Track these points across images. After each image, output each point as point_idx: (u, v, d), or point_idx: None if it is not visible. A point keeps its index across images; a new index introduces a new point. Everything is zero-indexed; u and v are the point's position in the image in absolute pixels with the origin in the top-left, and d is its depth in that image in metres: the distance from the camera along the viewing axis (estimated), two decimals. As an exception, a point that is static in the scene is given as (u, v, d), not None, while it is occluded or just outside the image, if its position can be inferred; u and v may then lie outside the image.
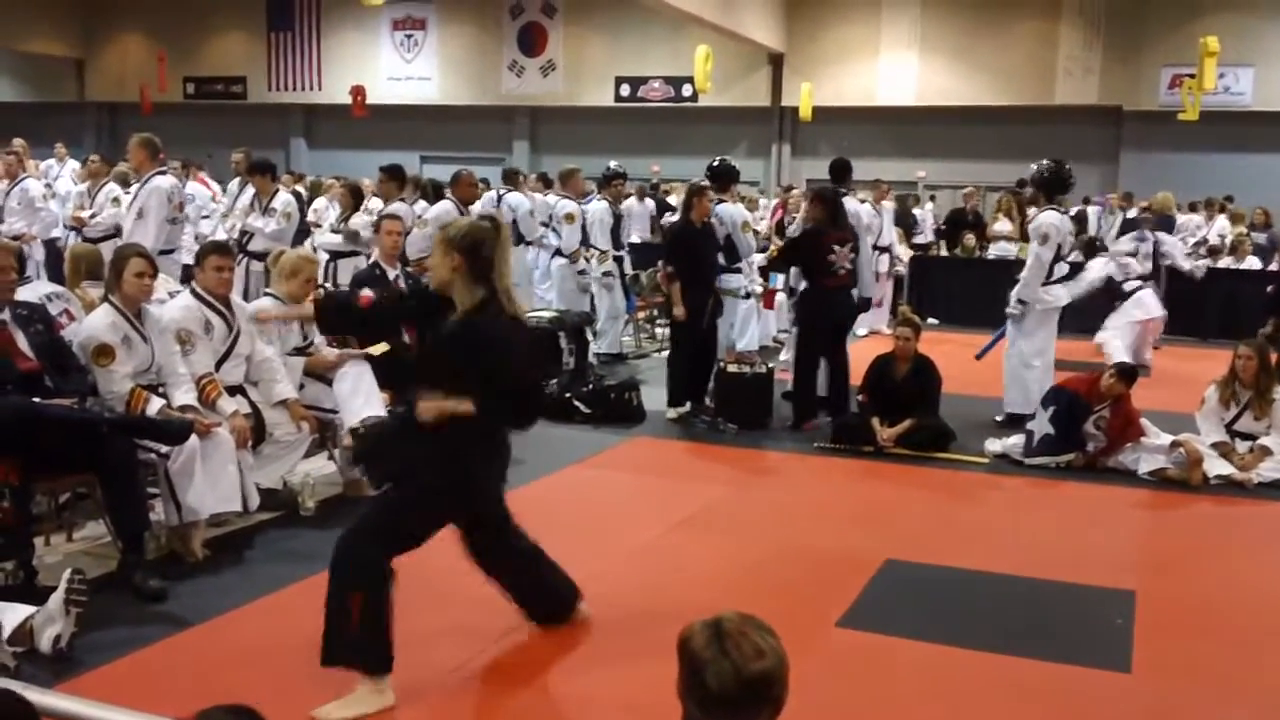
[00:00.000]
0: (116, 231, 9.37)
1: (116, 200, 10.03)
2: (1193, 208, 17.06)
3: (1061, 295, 8.56)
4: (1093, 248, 11.88)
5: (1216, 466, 7.04)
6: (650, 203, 14.53)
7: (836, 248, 8.16)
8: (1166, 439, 7.14)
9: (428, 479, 3.86)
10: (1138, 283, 11.17)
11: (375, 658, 3.78)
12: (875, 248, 11.99)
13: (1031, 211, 9.10)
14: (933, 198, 21.03)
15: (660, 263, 9.24)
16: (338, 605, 3.75)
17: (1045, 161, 8.57)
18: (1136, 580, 5.34)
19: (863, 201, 11.00)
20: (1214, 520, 6.61)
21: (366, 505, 4.10)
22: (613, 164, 11.19)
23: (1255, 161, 20.13)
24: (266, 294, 6.53)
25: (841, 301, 8.36)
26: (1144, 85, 21.03)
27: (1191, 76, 18.47)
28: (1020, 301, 8.37)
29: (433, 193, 11.57)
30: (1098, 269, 11.26)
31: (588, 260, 10.70)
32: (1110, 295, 11.16)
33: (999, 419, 8.39)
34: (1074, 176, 8.62)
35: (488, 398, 3.79)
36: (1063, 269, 8.61)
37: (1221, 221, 15.57)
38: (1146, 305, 11.11)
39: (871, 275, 9.63)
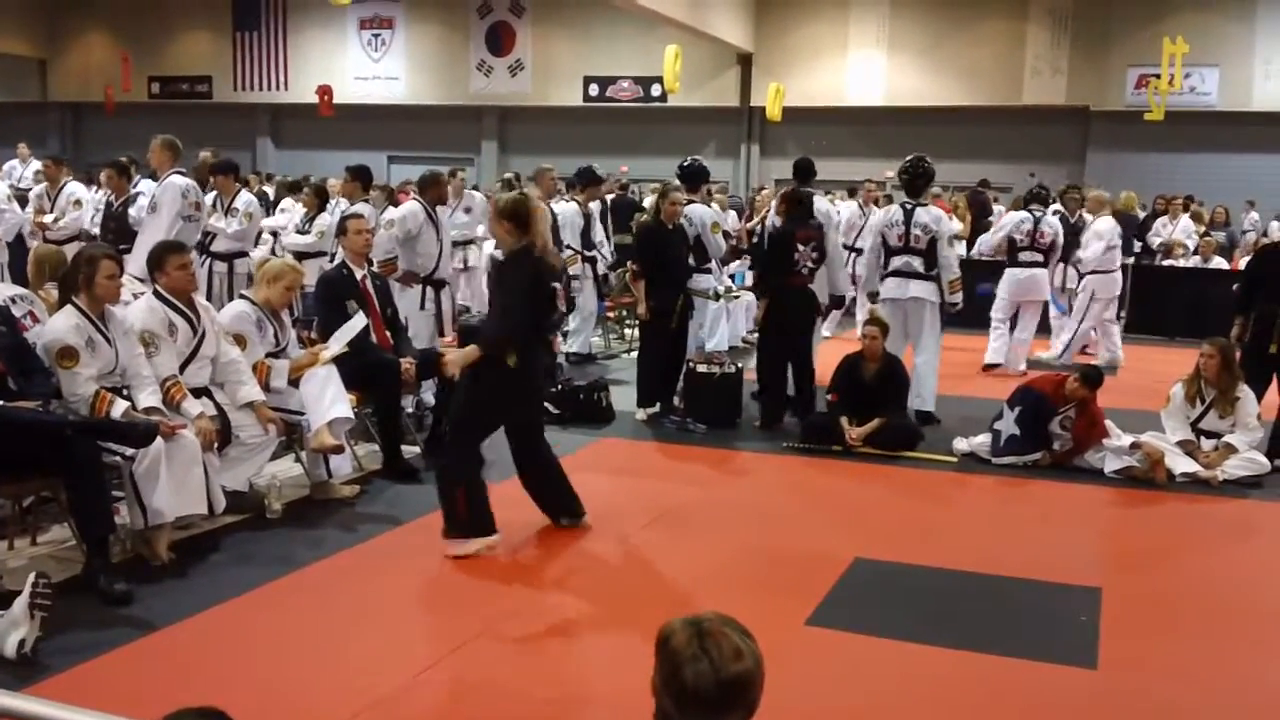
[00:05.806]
0: (80, 234, 9.30)
1: (78, 203, 9.94)
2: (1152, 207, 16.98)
3: (891, 288, 8.71)
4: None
5: (1182, 464, 7.10)
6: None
7: (801, 246, 8.21)
8: (1129, 439, 7.18)
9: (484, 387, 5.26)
10: None
11: (482, 529, 5.25)
12: (851, 248, 12.04)
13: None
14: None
15: (629, 263, 9.26)
16: (449, 497, 5.25)
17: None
18: (1103, 577, 5.39)
19: (832, 201, 10.98)
20: (1179, 518, 6.67)
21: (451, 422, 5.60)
22: (595, 166, 11.13)
23: (1220, 161, 20.32)
24: (242, 296, 6.47)
25: (804, 300, 8.40)
26: (1111, 85, 21.22)
27: (1158, 77, 18.64)
28: (871, 293, 9.00)
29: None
30: None
31: None
32: None
33: None
34: (919, 176, 8.95)
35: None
36: (895, 262, 8.70)
37: (1185, 221, 15.65)
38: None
39: (844, 273, 9.65)
